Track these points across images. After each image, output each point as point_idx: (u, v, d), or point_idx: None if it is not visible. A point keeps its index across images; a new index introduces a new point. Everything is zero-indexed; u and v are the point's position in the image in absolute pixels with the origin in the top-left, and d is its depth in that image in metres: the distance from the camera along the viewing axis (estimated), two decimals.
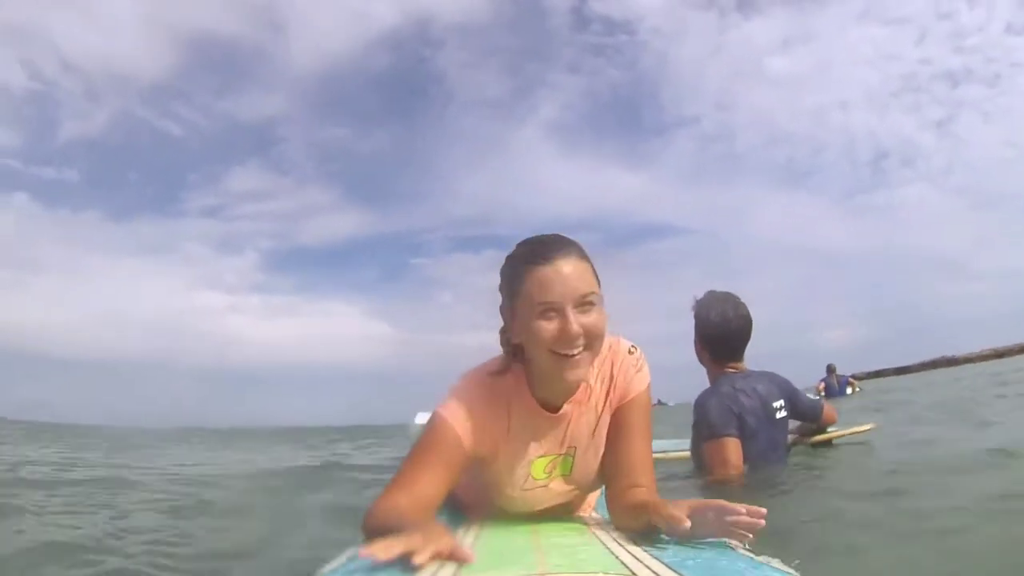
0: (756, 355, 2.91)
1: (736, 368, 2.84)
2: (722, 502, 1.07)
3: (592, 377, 1.39)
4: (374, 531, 1.12)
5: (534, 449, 1.40)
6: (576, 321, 1.24)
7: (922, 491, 2.18)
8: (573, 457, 1.43)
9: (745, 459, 2.64)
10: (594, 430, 1.42)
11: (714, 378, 2.86)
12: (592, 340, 1.28)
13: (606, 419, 1.42)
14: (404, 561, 0.87)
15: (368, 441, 10.55)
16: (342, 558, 1.05)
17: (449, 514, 1.52)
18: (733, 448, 2.61)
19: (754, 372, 2.87)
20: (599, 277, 1.31)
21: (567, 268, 1.26)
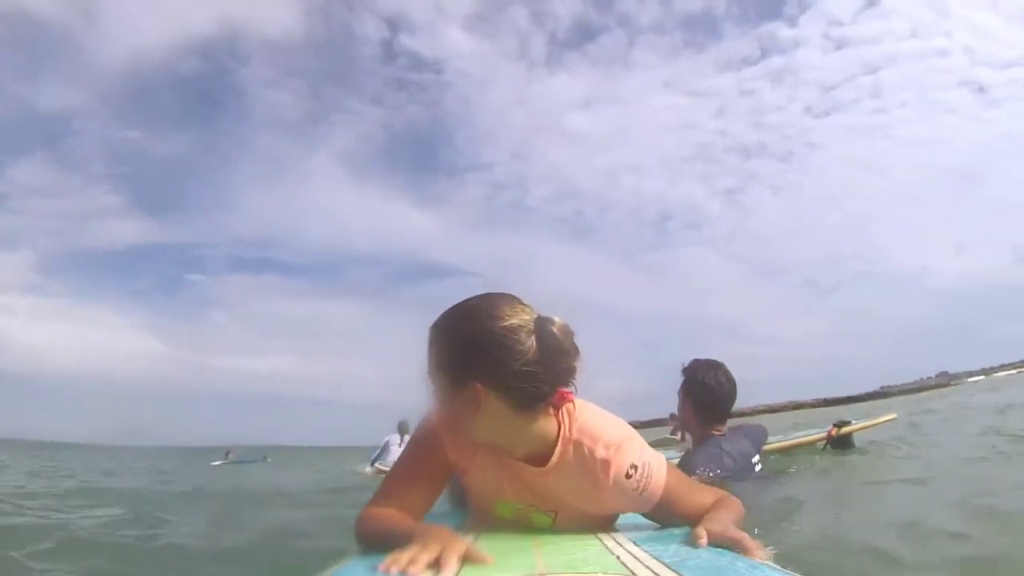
0: None
1: (719, 431, 2.95)
2: (749, 545, 1.05)
3: (571, 458, 1.26)
4: (369, 536, 1.16)
5: (498, 487, 1.31)
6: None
7: None
8: (554, 517, 1.30)
9: None
10: (580, 508, 1.29)
11: (700, 440, 2.95)
12: None
13: (592, 520, 1.30)
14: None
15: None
16: (343, 561, 1.03)
17: (452, 511, 1.50)
18: None
19: (733, 432, 3.00)
20: (447, 368, 1.23)
21: None
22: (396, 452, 9.06)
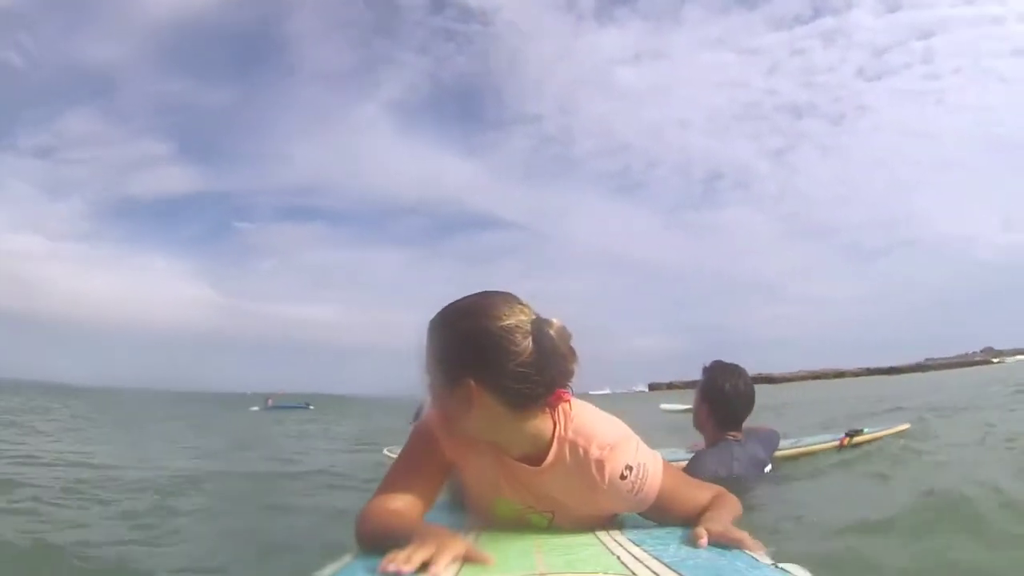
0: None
1: (735, 436, 2.90)
2: (749, 545, 1.06)
3: (566, 458, 1.25)
4: (369, 535, 1.15)
5: (496, 485, 1.31)
6: None
7: None
8: (551, 518, 1.30)
9: None
10: (576, 508, 1.29)
11: (713, 442, 2.91)
12: None
13: (589, 521, 1.30)
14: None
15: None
16: (342, 560, 1.04)
17: (452, 512, 1.48)
18: None
19: (747, 436, 2.95)
20: (442, 363, 1.22)
21: None
22: None
